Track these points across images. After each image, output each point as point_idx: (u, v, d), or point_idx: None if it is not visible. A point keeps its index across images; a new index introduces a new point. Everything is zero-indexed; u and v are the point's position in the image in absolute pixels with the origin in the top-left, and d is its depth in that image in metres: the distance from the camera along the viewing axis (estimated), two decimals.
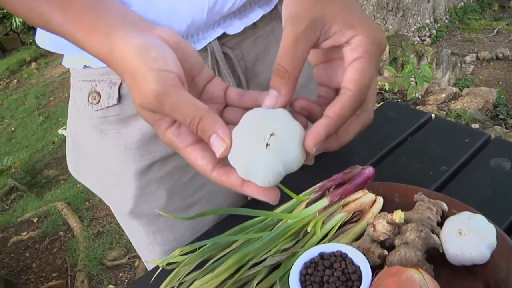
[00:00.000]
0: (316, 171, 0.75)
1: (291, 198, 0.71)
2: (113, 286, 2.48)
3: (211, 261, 0.69)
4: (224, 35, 0.73)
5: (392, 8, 5.63)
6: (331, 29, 0.47)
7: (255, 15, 0.75)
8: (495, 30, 6.58)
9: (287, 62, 0.46)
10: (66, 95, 5.35)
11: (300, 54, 0.46)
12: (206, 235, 0.80)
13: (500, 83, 4.51)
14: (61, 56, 0.79)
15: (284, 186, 0.67)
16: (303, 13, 0.46)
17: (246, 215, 0.70)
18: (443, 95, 3.67)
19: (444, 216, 0.66)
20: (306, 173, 0.74)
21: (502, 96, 3.78)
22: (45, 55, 6.69)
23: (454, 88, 4.00)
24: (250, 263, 0.65)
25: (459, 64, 5.31)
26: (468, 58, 5.59)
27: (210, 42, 0.72)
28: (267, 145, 0.45)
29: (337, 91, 0.51)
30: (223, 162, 0.48)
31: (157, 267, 0.72)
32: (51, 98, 5.35)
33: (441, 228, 0.64)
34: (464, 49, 6.25)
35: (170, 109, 0.45)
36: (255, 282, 0.63)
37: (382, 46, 0.47)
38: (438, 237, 0.63)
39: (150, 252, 0.90)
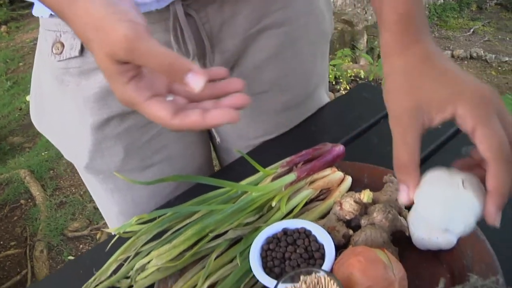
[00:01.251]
0: (284, 146, 0.73)
1: (257, 171, 0.68)
2: (73, 257, 2.42)
3: (170, 231, 0.66)
4: None
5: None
6: (431, 111, 0.50)
7: None
8: (471, 30, 6.67)
9: (404, 156, 0.50)
10: None
11: (411, 144, 0.50)
12: (168, 205, 0.77)
13: None
14: (34, 20, 0.76)
15: (250, 158, 0.65)
16: (397, 109, 0.52)
17: (209, 186, 0.68)
18: None
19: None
20: (274, 148, 0.72)
21: None
22: (17, 19, 6.46)
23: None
24: (211, 235, 0.62)
25: None
26: None
27: (173, 2, 0.69)
28: (463, 186, 0.50)
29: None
30: (180, 110, 0.49)
31: (101, 244, 0.70)
32: (20, 64, 5.18)
33: (408, 211, 0.63)
34: (441, 45, 6.30)
35: (142, 53, 0.45)
36: (214, 255, 0.61)
37: (487, 97, 0.49)
38: (405, 220, 0.62)
39: (108, 210, 0.91)
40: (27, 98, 4.16)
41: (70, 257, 2.43)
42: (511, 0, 7.21)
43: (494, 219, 0.48)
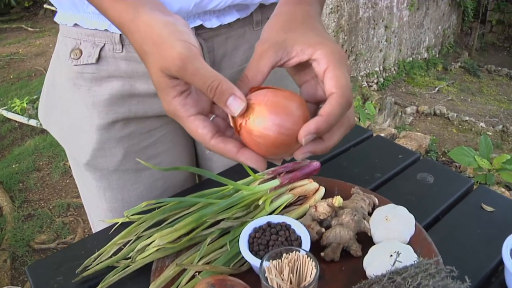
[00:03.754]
0: (269, 163, 0.86)
1: (248, 176, 0.81)
2: None
3: (171, 219, 0.77)
4: (201, 26, 0.81)
5: (346, 50, 5.91)
6: (293, 50, 0.56)
7: (232, 17, 0.84)
8: (436, 89, 6.96)
9: (250, 72, 0.55)
10: (12, 76, 5.23)
11: (261, 68, 0.55)
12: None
13: (434, 137, 4.80)
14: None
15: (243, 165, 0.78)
16: (268, 38, 0.57)
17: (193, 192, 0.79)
18: (382, 134, 3.91)
19: (374, 209, 0.78)
20: None
21: (434, 144, 4.07)
22: None
23: (393, 129, 4.28)
24: (207, 223, 0.74)
25: (400, 113, 5.62)
26: (409, 110, 5.91)
27: None
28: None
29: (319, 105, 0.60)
30: (220, 133, 0.55)
31: (103, 230, 0.80)
32: None
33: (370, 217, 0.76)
34: (407, 100, 6.57)
35: (192, 73, 0.51)
36: (208, 240, 0.72)
37: (341, 53, 0.57)
38: (368, 223, 0.75)
39: (97, 207, 0.97)
40: (0, 110, 4.18)
41: None
42: (473, 65, 7.61)
43: (304, 136, 0.51)
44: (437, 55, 8.01)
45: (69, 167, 3.26)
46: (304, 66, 0.58)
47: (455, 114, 5.67)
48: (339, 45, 0.62)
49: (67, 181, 3.17)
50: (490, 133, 5.35)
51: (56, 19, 0.86)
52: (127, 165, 0.91)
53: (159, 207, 0.79)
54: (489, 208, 0.85)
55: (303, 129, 0.51)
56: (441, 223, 0.82)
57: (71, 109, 0.87)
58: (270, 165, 0.84)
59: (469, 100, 6.58)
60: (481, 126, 5.49)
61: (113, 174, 0.91)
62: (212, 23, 0.82)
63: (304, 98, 0.58)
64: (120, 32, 0.71)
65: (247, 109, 0.53)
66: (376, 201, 0.80)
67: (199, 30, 0.81)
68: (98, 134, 0.86)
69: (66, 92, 0.87)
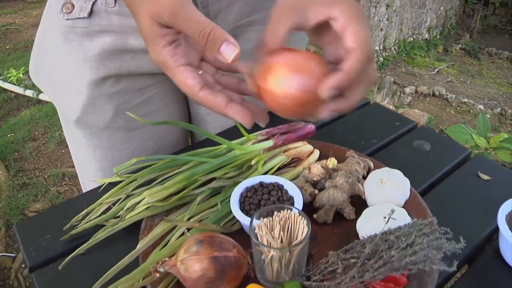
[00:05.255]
0: (257, 126, 0.84)
1: (242, 136, 0.79)
2: None
3: (160, 179, 0.76)
4: None
5: None
6: (309, 11, 0.54)
7: None
8: (436, 70, 6.93)
9: (267, 37, 0.54)
10: (8, 47, 5.17)
11: (278, 32, 0.53)
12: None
13: (432, 117, 4.80)
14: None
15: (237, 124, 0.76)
16: (283, 2, 0.55)
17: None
18: None
19: (369, 173, 0.77)
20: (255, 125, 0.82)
21: (432, 122, 4.06)
22: None
23: (391, 107, 4.26)
24: (198, 182, 0.72)
25: (398, 93, 5.60)
26: (407, 90, 5.89)
27: None
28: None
29: None
30: (209, 85, 0.54)
31: (92, 190, 0.79)
32: None
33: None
34: (406, 81, 6.54)
35: (184, 18, 0.50)
36: (198, 199, 0.71)
37: (359, 9, 0.55)
38: (362, 186, 0.74)
39: (87, 166, 0.97)
40: None
41: None
42: (474, 47, 7.57)
43: (325, 90, 0.50)
44: (438, 36, 7.96)
45: (65, 137, 3.25)
46: (323, 27, 0.56)
47: (454, 96, 5.65)
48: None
49: (63, 151, 3.15)
50: (489, 116, 5.34)
51: None
52: (118, 123, 0.90)
53: (150, 166, 0.78)
54: (485, 177, 0.84)
55: (323, 83, 0.50)
56: (436, 189, 0.81)
57: (62, 65, 0.86)
58: (259, 128, 0.83)
59: (468, 82, 6.56)
60: (480, 108, 5.48)
61: (104, 131, 0.90)
62: None
63: (327, 60, 0.56)
64: None
65: (268, 70, 0.52)
66: (371, 164, 0.78)
67: None
68: (89, 90, 0.85)
69: (57, 47, 0.85)
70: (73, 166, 3.03)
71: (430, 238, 0.55)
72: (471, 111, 5.41)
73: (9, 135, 3.30)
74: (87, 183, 1.01)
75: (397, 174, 0.73)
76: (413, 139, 0.93)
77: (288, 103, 0.52)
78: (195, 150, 0.79)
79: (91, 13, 0.79)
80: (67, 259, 0.66)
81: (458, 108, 5.52)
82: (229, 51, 0.50)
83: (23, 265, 2.31)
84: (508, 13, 8.42)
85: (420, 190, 0.80)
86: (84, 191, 1.05)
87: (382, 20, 6.44)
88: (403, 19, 6.94)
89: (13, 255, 2.38)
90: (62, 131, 3.32)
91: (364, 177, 0.76)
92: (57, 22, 0.82)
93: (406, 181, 0.72)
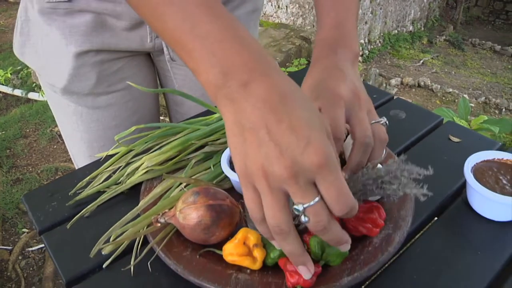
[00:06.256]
0: None
1: None
2: (27, 230, 2.49)
3: (157, 146, 0.82)
4: None
5: None
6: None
7: None
8: (421, 61, 7.00)
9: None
10: None
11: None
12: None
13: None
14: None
15: None
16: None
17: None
18: None
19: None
20: None
21: None
22: None
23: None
24: (193, 147, 0.79)
25: (384, 85, 5.68)
26: (393, 81, 5.97)
27: None
28: None
29: None
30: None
31: (93, 163, 0.85)
32: None
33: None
34: (391, 73, 6.61)
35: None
36: (193, 161, 0.78)
37: (362, 98, 0.69)
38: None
39: (74, 130, 1.03)
40: None
41: (25, 229, 2.49)
42: (458, 38, 7.67)
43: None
44: (422, 28, 8.06)
45: (57, 132, 3.30)
46: None
47: (439, 86, 5.75)
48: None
49: (55, 146, 3.20)
50: (473, 105, 5.43)
51: None
52: (100, 88, 0.97)
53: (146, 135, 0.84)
54: (456, 139, 0.91)
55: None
56: (410, 152, 0.88)
57: (47, 38, 0.91)
58: None
59: (453, 72, 6.66)
60: (465, 97, 5.58)
61: (87, 97, 0.97)
62: None
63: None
64: None
65: None
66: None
67: None
68: (74, 61, 0.91)
69: (40, 25, 0.90)
70: (66, 161, 3.07)
71: (403, 168, 0.61)
72: (456, 100, 5.50)
73: (0, 133, 3.34)
74: (76, 155, 1.08)
75: None
76: (389, 109, 1.01)
77: None
78: (189, 120, 0.86)
79: None
80: (73, 219, 0.72)
81: (443, 98, 5.61)
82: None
83: (20, 257, 2.36)
84: (490, 4, 8.56)
85: (395, 153, 0.87)
86: (74, 162, 1.12)
87: (367, 13, 6.53)
88: (387, 12, 7.03)
89: (10, 248, 2.43)
90: (54, 127, 3.38)
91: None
92: (37, 4, 0.88)
93: None
